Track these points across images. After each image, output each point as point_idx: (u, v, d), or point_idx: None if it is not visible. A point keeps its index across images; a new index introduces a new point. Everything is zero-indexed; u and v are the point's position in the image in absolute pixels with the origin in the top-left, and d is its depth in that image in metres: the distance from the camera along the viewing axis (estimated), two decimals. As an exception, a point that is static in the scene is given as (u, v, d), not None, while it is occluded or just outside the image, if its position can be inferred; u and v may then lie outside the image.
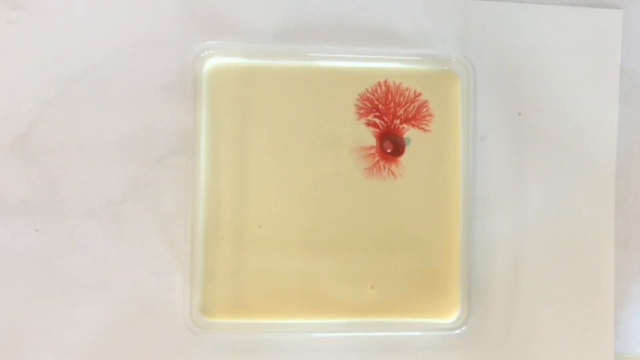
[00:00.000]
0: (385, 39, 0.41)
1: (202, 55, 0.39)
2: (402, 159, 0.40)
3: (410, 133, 0.40)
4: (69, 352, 0.39)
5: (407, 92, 0.40)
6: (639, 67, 0.42)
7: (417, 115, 0.40)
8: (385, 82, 0.40)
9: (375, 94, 0.40)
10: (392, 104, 0.40)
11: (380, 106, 0.40)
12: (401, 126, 0.40)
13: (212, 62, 0.39)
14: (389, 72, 0.40)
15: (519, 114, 0.41)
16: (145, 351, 0.39)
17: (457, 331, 0.40)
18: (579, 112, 0.42)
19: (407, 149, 0.40)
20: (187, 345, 0.39)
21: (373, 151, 0.40)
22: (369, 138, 0.40)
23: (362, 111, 0.40)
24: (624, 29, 0.42)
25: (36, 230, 0.39)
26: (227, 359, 0.40)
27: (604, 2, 0.42)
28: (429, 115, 0.40)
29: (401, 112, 0.40)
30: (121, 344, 0.39)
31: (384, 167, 0.40)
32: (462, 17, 0.41)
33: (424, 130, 0.40)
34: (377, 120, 0.40)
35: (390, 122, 0.40)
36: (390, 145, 0.40)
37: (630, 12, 0.42)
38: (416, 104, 0.40)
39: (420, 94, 0.40)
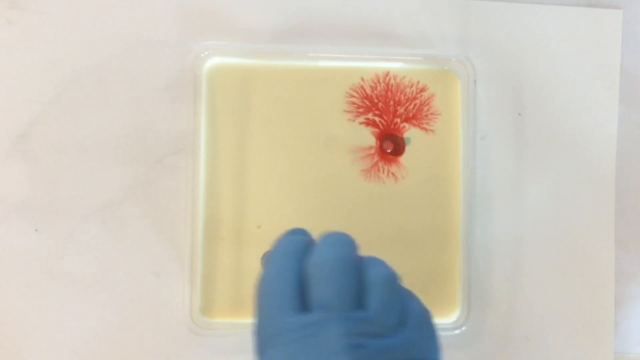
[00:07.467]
0: (385, 39, 0.41)
1: (202, 55, 0.39)
2: (402, 158, 0.40)
3: (410, 133, 0.40)
4: (69, 352, 0.39)
5: (407, 90, 0.40)
6: (639, 67, 0.42)
7: (419, 114, 0.40)
8: (385, 77, 0.40)
9: (375, 92, 0.40)
10: (391, 102, 0.40)
11: (380, 104, 0.40)
12: (402, 125, 0.40)
13: (212, 62, 0.39)
14: (389, 72, 0.40)
15: (519, 114, 0.41)
16: (145, 351, 0.39)
17: (457, 331, 0.40)
18: (579, 112, 0.42)
19: (406, 148, 0.40)
20: (187, 345, 0.39)
21: (372, 151, 0.40)
22: (369, 138, 0.40)
23: (361, 110, 0.40)
24: (624, 29, 0.42)
25: (36, 230, 0.39)
26: (226, 359, 0.40)
27: (604, 2, 0.42)
28: (432, 114, 0.40)
29: (401, 110, 0.40)
30: (121, 344, 0.39)
31: (384, 167, 0.40)
32: (462, 17, 0.41)
33: (427, 130, 0.40)
34: (377, 119, 0.40)
35: (390, 121, 0.40)
36: (390, 145, 0.40)
37: (630, 12, 0.42)
38: (417, 102, 0.40)
39: (423, 89, 0.40)
